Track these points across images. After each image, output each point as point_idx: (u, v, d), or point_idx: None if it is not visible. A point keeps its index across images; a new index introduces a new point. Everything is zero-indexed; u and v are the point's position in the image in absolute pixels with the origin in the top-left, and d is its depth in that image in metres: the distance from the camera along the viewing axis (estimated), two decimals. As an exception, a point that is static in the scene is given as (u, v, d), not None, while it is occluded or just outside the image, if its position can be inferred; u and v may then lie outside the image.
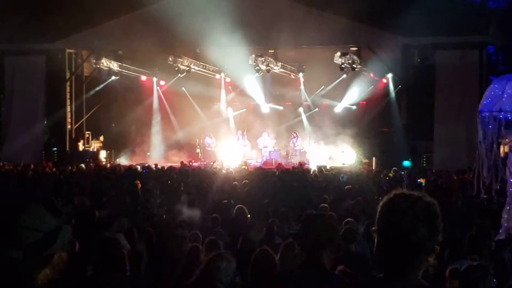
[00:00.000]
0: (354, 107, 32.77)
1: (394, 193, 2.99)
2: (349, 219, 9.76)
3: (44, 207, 2.90)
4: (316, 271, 4.45)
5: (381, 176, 21.78)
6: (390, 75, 30.61)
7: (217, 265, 5.70)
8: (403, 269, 2.88)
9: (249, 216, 11.55)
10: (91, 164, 28.21)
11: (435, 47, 28.58)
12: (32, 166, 25.81)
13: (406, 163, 27.47)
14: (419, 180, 20.56)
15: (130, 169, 24.09)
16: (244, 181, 18.82)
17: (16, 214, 2.79)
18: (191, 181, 19.35)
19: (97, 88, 33.19)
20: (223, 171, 24.86)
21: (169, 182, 19.66)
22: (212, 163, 27.97)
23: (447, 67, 28.34)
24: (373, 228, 3.02)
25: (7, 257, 2.71)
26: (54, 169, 25.28)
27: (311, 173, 23.35)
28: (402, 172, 22.53)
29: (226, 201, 13.56)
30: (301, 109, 33.78)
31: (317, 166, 27.30)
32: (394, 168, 23.76)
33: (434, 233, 2.88)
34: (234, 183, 18.17)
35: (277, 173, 22.49)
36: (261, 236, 9.78)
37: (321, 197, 14.50)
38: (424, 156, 28.62)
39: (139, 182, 17.13)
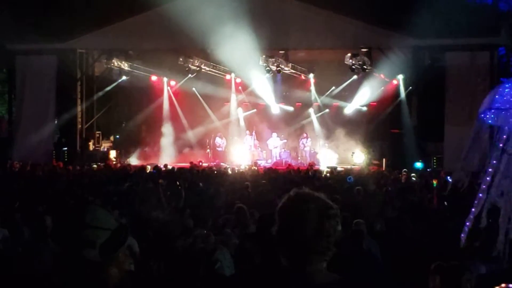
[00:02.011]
0: (364, 108, 32.73)
1: (294, 191, 3.10)
2: (359, 220, 9.74)
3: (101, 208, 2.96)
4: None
5: (392, 177, 21.78)
6: (400, 77, 30.59)
7: (215, 254, 6.82)
8: (302, 262, 2.97)
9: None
10: (101, 164, 28.36)
11: (446, 48, 28.51)
12: (42, 166, 25.93)
13: (418, 165, 27.39)
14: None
15: (140, 169, 24.12)
16: (254, 181, 18.82)
17: (82, 214, 2.84)
18: (200, 182, 19.36)
19: (108, 88, 33.26)
20: (233, 171, 24.89)
21: (177, 183, 19.58)
22: (222, 164, 28.05)
23: (458, 68, 28.30)
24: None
25: (83, 257, 2.76)
26: (66, 169, 25.36)
27: (322, 174, 23.34)
28: (413, 174, 22.51)
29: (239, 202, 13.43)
30: (311, 110, 33.77)
31: (327, 167, 27.32)
32: (404, 169, 23.72)
33: (323, 235, 2.96)
34: (246, 183, 18.13)
35: (287, 174, 22.49)
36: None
37: (331, 198, 14.44)
38: (434, 158, 28.54)
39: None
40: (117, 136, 34.79)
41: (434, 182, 19.69)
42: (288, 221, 3.00)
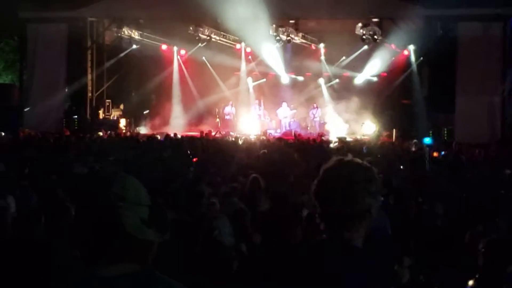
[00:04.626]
0: (375, 78, 32.54)
1: (335, 159, 3.14)
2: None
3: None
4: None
5: (403, 148, 21.78)
6: (411, 47, 30.35)
7: (213, 221, 6.70)
8: (337, 228, 3.01)
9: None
10: (112, 132, 28.52)
11: (458, 19, 28.28)
12: (53, 134, 26.10)
13: (427, 140, 27.17)
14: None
15: (151, 137, 24.25)
16: (262, 151, 18.84)
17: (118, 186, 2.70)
18: (211, 150, 19.45)
19: (118, 57, 33.22)
20: (240, 141, 24.96)
21: (188, 152, 19.66)
22: (231, 133, 28.13)
23: (470, 39, 28.08)
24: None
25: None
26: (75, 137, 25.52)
27: (332, 144, 23.36)
28: (425, 145, 22.46)
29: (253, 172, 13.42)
30: (321, 80, 33.62)
31: (337, 137, 27.29)
32: (415, 140, 23.68)
33: (353, 199, 2.98)
34: (262, 151, 18.19)
35: (296, 144, 22.51)
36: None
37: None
38: (445, 129, 28.45)
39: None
40: (127, 105, 34.69)
41: (435, 154, 19.70)
42: (322, 189, 3.05)
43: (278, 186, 11.40)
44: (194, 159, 17.45)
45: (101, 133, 27.87)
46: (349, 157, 3.15)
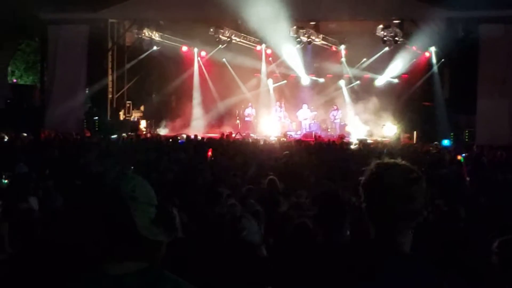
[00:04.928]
0: (395, 80, 32.39)
1: (375, 162, 3.09)
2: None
3: None
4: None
5: (424, 150, 21.67)
6: (433, 49, 30.17)
7: (241, 221, 6.52)
8: (390, 231, 2.95)
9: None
10: (132, 134, 28.61)
11: (480, 20, 28.07)
12: (74, 135, 26.26)
13: (446, 142, 27.06)
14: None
15: (171, 139, 24.33)
16: (285, 152, 18.83)
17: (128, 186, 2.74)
18: (231, 152, 19.45)
19: (139, 58, 33.33)
20: (261, 142, 24.96)
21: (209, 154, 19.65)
22: (251, 135, 28.12)
23: (492, 41, 27.87)
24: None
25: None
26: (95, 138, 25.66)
27: (352, 146, 23.29)
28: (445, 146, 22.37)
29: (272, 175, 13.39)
30: (342, 82, 33.52)
31: (357, 139, 27.20)
32: (435, 142, 23.55)
33: (407, 200, 2.92)
34: (284, 152, 18.19)
35: (316, 145, 22.47)
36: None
37: (362, 170, 14.30)
38: (467, 131, 28.27)
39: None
40: (147, 106, 34.83)
41: (459, 157, 19.54)
42: (373, 191, 3.00)
43: (300, 187, 11.37)
44: (209, 152, 17.41)
45: (124, 134, 27.97)
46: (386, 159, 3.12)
